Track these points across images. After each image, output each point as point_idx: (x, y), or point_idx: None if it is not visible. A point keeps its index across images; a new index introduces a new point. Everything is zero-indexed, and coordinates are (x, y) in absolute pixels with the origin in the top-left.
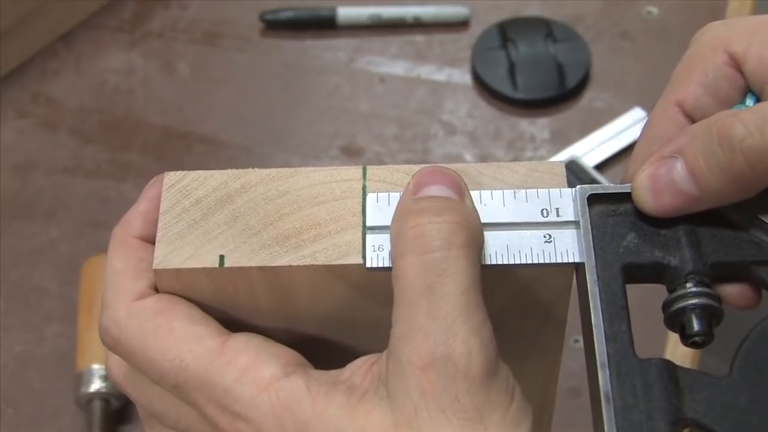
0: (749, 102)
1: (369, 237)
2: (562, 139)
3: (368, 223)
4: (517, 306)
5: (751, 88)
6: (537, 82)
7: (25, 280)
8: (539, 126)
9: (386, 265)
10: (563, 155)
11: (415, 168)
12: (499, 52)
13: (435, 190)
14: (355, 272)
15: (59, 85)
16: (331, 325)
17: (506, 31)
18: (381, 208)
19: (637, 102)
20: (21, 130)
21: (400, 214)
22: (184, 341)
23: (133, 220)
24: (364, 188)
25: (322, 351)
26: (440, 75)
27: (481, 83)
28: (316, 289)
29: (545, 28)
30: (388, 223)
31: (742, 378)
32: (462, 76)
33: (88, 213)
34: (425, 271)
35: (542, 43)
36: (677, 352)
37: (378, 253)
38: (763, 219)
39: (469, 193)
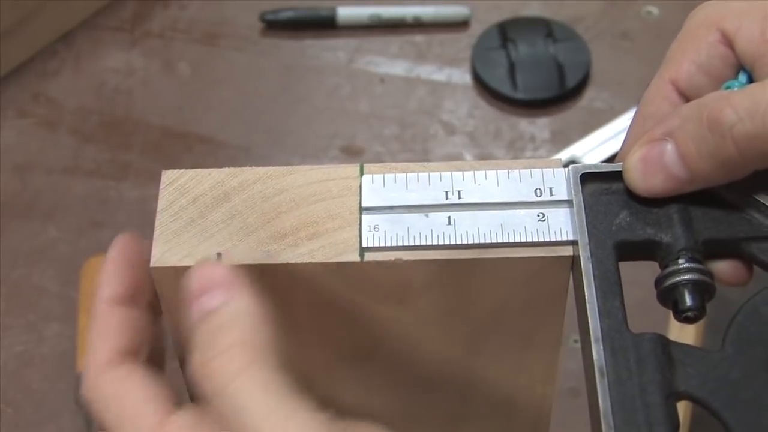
0: (742, 78)
1: (365, 217)
2: (562, 139)
3: (364, 204)
4: (515, 302)
5: (743, 66)
6: (537, 82)
7: (25, 280)
8: (539, 126)
9: (382, 244)
10: (563, 155)
11: (413, 165)
12: (499, 52)
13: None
14: (352, 270)
15: (59, 85)
16: (327, 323)
17: (506, 31)
18: (376, 189)
19: (637, 102)
20: (21, 130)
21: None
22: (130, 418)
23: (102, 289)
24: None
25: (318, 348)
26: (440, 75)
27: (481, 83)
28: (313, 286)
29: (545, 28)
30: (384, 203)
31: (734, 352)
32: (462, 76)
33: (88, 213)
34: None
35: (542, 43)
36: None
37: (374, 233)
38: (755, 197)
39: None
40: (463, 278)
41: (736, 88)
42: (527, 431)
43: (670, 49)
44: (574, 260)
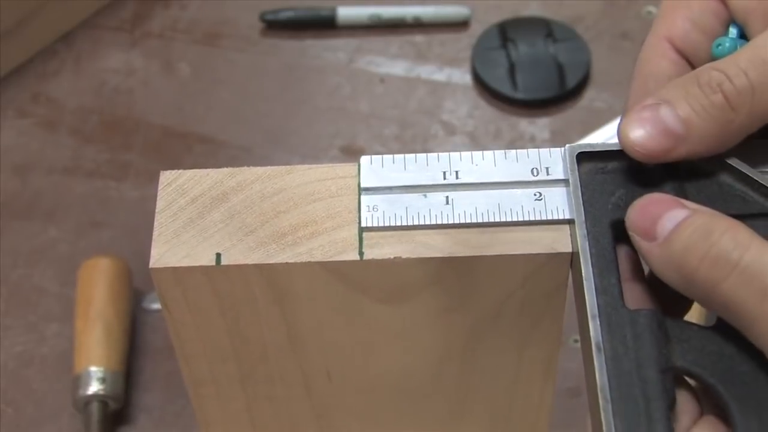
0: (732, 32)
1: (364, 198)
2: (562, 139)
3: (363, 184)
4: (514, 299)
5: (735, 20)
6: (537, 82)
7: (25, 280)
8: (539, 126)
9: (381, 224)
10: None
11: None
12: (499, 52)
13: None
14: (351, 269)
15: (59, 85)
16: (327, 322)
17: (506, 31)
18: (375, 169)
19: None
20: (21, 130)
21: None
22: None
23: None
24: (359, 185)
25: (318, 347)
26: (440, 75)
27: (481, 83)
28: (312, 286)
29: (545, 28)
30: (382, 184)
31: (729, 326)
32: (462, 76)
33: (88, 213)
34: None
35: (542, 43)
36: None
37: (373, 213)
38: (749, 174)
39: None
40: (462, 276)
41: (727, 44)
42: (527, 430)
43: (662, 6)
44: (573, 257)
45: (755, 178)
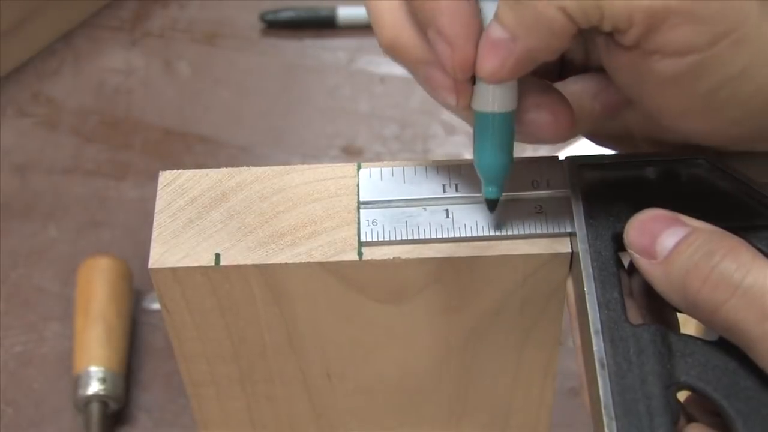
0: None
1: (363, 212)
2: None
3: (361, 198)
4: (513, 299)
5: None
6: None
7: (25, 280)
8: None
9: (381, 239)
10: (563, 155)
11: (409, 163)
12: None
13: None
14: (350, 269)
15: (59, 84)
16: (326, 322)
17: None
18: (374, 183)
19: None
20: (21, 130)
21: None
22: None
23: None
24: (358, 185)
25: (317, 347)
26: None
27: None
28: (311, 286)
29: None
30: (382, 197)
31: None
32: None
33: (87, 213)
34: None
35: None
36: None
37: (372, 228)
38: (752, 185)
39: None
40: (461, 276)
41: None
42: (527, 430)
43: None
44: (573, 257)
45: (758, 189)
